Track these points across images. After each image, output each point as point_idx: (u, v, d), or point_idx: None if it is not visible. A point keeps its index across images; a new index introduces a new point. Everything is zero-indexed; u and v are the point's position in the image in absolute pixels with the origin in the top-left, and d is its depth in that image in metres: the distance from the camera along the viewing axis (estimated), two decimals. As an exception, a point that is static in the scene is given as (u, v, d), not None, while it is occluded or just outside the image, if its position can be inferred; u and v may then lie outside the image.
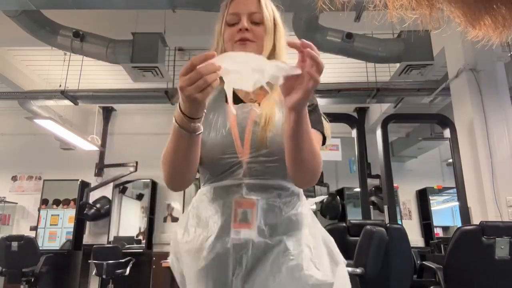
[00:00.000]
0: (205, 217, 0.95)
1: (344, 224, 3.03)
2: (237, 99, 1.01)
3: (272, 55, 1.03)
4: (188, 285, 0.95)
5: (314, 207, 6.18)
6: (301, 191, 1.01)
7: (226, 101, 0.90)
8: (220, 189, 0.95)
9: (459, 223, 4.33)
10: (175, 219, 6.45)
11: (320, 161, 0.90)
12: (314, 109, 0.98)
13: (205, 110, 0.82)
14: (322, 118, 1.01)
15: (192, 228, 0.96)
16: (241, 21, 1.01)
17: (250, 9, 1.02)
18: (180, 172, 0.93)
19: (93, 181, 6.50)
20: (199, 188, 1.04)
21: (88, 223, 6.32)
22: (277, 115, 0.96)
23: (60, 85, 4.93)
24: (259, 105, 0.99)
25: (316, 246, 0.96)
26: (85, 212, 6.03)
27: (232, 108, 0.78)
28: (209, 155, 0.95)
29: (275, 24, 1.05)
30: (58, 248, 5.92)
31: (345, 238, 2.95)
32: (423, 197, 6.37)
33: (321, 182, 6.27)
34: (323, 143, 1.00)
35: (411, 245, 2.78)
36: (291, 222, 0.94)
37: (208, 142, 0.95)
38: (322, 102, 5.03)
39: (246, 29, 1.00)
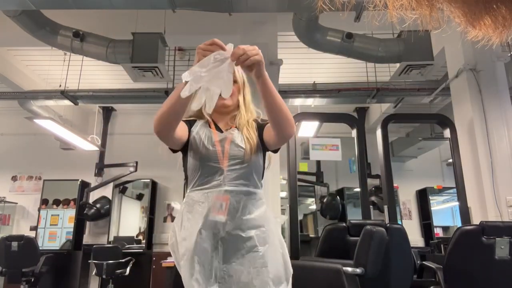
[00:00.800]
0: (195, 215, 1.32)
1: (344, 224, 3.03)
2: (217, 127, 1.44)
3: (243, 103, 1.47)
4: (183, 267, 1.28)
5: (314, 207, 6.19)
6: (257, 192, 1.38)
7: (210, 127, 1.43)
8: (207, 193, 1.32)
9: (459, 223, 4.32)
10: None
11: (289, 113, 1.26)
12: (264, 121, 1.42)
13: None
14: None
15: (187, 223, 1.33)
16: None
17: None
18: (172, 113, 1.26)
19: (93, 181, 6.50)
20: (185, 192, 1.44)
21: (88, 223, 6.32)
22: (245, 137, 1.37)
23: (60, 85, 4.93)
24: (236, 130, 1.41)
25: (274, 247, 1.33)
26: (85, 212, 6.04)
27: (215, 131, 1.40)
28: (199, 162, 1.35)
29: (244, 83, 1.48)
30: (58, 248, 5.92)
31: (345, 238, 2.94)
32: (423, 197, 6.37)
33: (321, 182, 6.28)
34: None
35: (411, 245, 2.78)
36: (257, 219, 1.32)
37: (199, 152, 1.35)
38: (322, 102, 5.04)
39: None
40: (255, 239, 1.28)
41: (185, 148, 1.40)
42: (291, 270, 1.35)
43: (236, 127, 1.43)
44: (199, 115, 1.46)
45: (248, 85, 1.49)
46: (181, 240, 1.32)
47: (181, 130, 1.35)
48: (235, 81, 1.41)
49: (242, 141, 1.36)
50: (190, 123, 1.42)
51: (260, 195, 1.37)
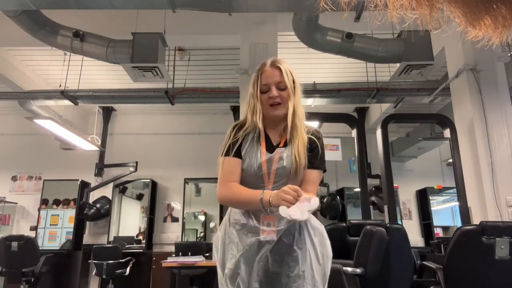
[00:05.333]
0: (244, 221, 1.39)
1: (344, 224, 3.02)
2: (268, 141, 1.46)
3: (292, 111, 1.45)
4: (231, 259, 1.35)
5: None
6: None
7: (259, 142, 1.45)
8: (252, 214, 1.39)
9: (459, 223, 4.32)
10: (175, 219, 6.45)
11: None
12: (317, 148, 1.44)
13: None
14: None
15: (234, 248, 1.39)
16: (271, 90, 1.41)
17: (276, 79, 1.42)
18: (235, 205, 1.42)
19: (93, 181, 6.50)
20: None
21: (88, 223, 6.33)
22: (294, 154, 1.39)
23: (60, 85, 4.93)
24: (284, 145, 1.43)
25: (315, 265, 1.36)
26: (85, 212, 6.04)
27: (263, 150, 1.42)
28: (246, 184, 1.39)
29: (294, 87, 1.45)
30: (58, 248, 5.92)
31: (345, 238, 2.94)
32: (423, 197, 6.37)
33: (321, 182, 6.27)
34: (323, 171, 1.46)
35: (411, 245, 2.78)
36: (302, 235, 1.37)
37: (246, 174, 1.40)
38: (322, 102, 5.04)
39: (276, 96, 1.41)
40: (295, 244, 1.34)
41: None
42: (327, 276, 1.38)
43: (287, 140, 1.43)
44: (252, 123, 1.46)
45: (300, 91, 1.47)
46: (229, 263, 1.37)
47: (239, 171, 1.42)
48: (285, 88, 1.42)
49: (289, 159, 1.37)
50: (238, 139, 1.44)
51: None
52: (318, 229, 1.41)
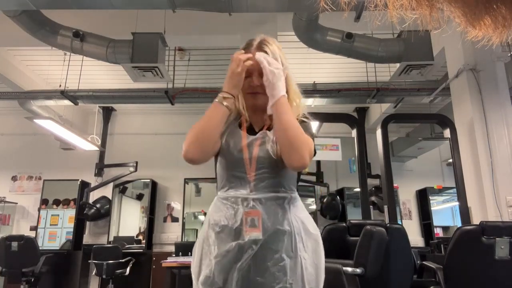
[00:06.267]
0: (224, 222, 1.18)
1: (344, 224, 3.02)
2: (250, 129, 1.29)
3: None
4: (207, 267, 1.16)
5: (314, 207, 6.19)
6: (296, 195, 1.26)
7: (240, 126, 1.28)
8: (233, 198, 1.19)
9: (459, 223, 4.32)
10: (175, 219, 6.45)
11: (308, 145, 1.13)
12: (304, 122, 1.27)
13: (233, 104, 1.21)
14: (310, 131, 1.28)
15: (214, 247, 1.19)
16: (252, 77, 1.24)
17: (259, 66, 1.22)
18: (206, 136, 1.17)
19: (93, 181, 6.50)
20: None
21: (88, 223, 6.33)
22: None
23: (60, 85, 4.93)
24: (267, 130, 1.25)
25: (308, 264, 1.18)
26: (85, 212, 6.04)
27: (244, 133, 1.25)
28: (226, 170, 1.22)
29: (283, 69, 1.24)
30: (58, 248, 5.92)
31: (345, 238, 2.94)
32: (423, 197, 6.37)
33: (321, 182, 6.28)
34: (314, 154, 1.22)
35: (411, 245, 2.78)
36: (288, 229, 1.17)
37: (225, 160, 1.22)
38: (322, 102, 5.04)
39: (256, 85, 1.24)
40: (283, 252, 1.14)
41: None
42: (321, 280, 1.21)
43: (271, 126, 1.25)
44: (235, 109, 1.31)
45: (290, 74, 1.27)
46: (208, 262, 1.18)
47: (217, 145, 1.22)
48: None
49: (274, 145, 1.19)
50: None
51: (292, 199, 1.22)
52: (313, 234, 1.23)
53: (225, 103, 1.18)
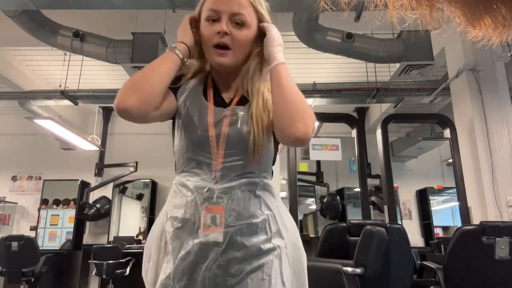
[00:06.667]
0: (186, 214, 0.95)
1: (344, 224, 3.03)
2: (218, 97, 1.01)
3: (257, 65, 1.02)
4: (164, 271, 0.95)
5: (314, 207, 6.19)
6: (270, 181, 1.01)
7: (206, 96, 1.00)
8: (193, 186, 0.95)
9: (459, 223, 4.32)
10: (175, 219, 6.45)
11: (312, 115, 0.92)
12: None
13: (187, 50, 0.97)
14: None
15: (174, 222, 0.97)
16: (221, 21, 0.94)
17: (232, 8, 0.94)
18: (147, 82, 0.90)
19: (93, 181, 6.50)
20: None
21: (88, 223, 6.32)
22: (254, 114, 0.97)
23: (60, 85, 4.93)
24: (241, 104, 1.00)
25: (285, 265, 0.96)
26: (85, 212, 6.04)
27: (211, 106, 0.98)
28: (185, 150, 0.97)
29: (262, 31, 0.99)
30: (58, 248, 5.92)
31: (345, 238, 2.94)
32: (423, 197, 6.37)
33: (321, 182, 6.28)
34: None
35: (411, 245, 2.78)
36: (257, 226, 0.94)
37: (185, 136, 0.97)
38: (322, 102, 5.05)
39: (226, 33, 0.94)
40: (263, 266, 0.92)
41: (173, 116, 1.01)
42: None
43: (244, 95, 1.01)
44: (198, 66, 1.04)
45: (273, 33, 0.98)
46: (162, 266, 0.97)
47: (166, 101, 0.95)
48: (243, 24, 0.96)
49: (248, 122, 0.95)
50: (174, 82, 0.99)
51: (266, 186, 0.98)
52: (291, 227, 1.01)
53: (176, 52, 0.93)
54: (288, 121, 0.89)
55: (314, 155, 4.21)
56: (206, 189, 0.93)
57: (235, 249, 0.91)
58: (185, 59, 0.96)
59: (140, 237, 6.20)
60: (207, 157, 0.94)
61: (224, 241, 0.90)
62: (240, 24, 0.95)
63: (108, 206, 6.26)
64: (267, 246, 0.93)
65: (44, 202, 6.19)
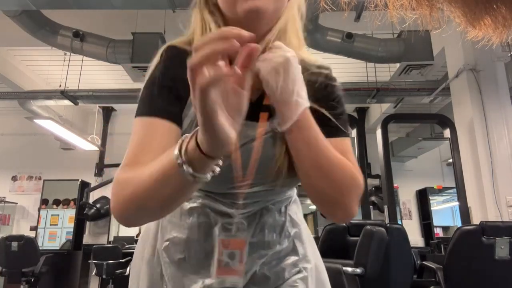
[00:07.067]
0: (192, 245, 0.71)
1: (344, 224, 3.03)
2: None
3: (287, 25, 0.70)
4: None
5: (314, 207, 6.19)
6: (295, 195, 0.79)
7: None
8: (203, 204, 0.70)
9: (459, 223, 4.32)
10: (175, 219, 6.45)
11: (356, 184, 0.64)
12: (335, 100, 0.73)
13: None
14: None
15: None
16: None
17: None
18: (154, 215, 0.64)
19: (93, 181, 6.50)
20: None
21: (88, 223, 6.32)
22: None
23: (60, 85, 4.93)
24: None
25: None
26: (85, 212, 6.03)
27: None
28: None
29: None
30: (58, 248, 5.92)
31: (345, 238, 2.94)
32: (423, 197, 6.37)
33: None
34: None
35: (411, 245, 2.78)
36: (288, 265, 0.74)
37: None
38: (322, 102, 5.04)
39: None
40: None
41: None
42: None
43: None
44: None
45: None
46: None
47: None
48: None
49: (277, 144, 0.65)
50: (176, 82, 0.67)
51: (290, 198, 0.76)
52: (311, 240, 0.81)
53: (198, 175, 0.51)
54: (326, 205, 0.66)
55: (314, 155, 4.21)
56: (222, 213, 0.68)
57: (255, 284, 0.71)
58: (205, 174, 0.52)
59: (140, 237, 6.21)
60: (228, 184, 0.67)
61: (244, 281, 0.69)
62: None
63: (108, 206, 6.26)
64: (293, 271, 0.74)
65: (44, 202, 6.19)
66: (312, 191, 0.64)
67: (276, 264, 0.72)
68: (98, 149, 6.22)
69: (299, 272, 0.74)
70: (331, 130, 0.67)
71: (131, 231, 6.31)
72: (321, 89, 0.71)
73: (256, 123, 0.65)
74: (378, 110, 6.24)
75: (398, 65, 3.83)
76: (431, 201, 6.26)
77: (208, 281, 0.67)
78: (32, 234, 5.70)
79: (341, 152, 0.65)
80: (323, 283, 0.81)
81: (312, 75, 0.70)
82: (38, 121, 4.92)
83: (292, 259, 0.74)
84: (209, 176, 0.52)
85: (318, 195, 0.64)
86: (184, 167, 0.50)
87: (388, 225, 2.65)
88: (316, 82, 0.70)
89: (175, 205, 0.60)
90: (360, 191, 0.64)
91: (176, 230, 0.72)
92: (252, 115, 0.62)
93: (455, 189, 4.01)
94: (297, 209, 0.79)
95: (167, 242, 0.72)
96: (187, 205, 0.71)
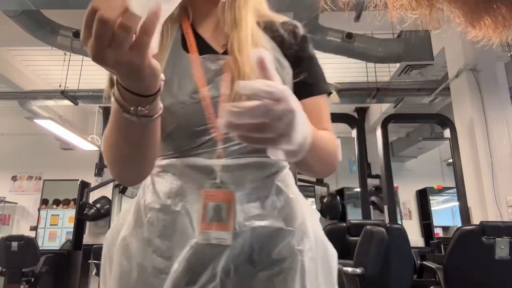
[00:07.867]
0: (172, 203, 0.66)
1: (344, 224, 3.03)
2: (204, 45, 0.70)
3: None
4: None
5: (314, 207, 6.19)
6: (288, 169, 0.73)
7: (186, 49, 0.68)
8: (182, 165, 0.66)
9: (459, 223, 4.33)
10: (175, 219, 6.45)
11: (335, 152, 0.68)
12: (304, 54, 0.76)
13: (161, 76, 0.51)
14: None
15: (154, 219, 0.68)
16: None
17: None
18: (133, 164, 0.63)
19: (93, 181, 6.50)
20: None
21: (88, 223, 6.32)
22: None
23: (60, 85, 4.93)
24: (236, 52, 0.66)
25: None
26: (85, 212, 6.03)
27: (196, 63, 0.65)
28: (168, 128, 0.65)
29: None
30: (58, 248, 5.93)
31: (345, 238, 2.95)
32: (423, 197, 6.38)
33: (321, 182, 6.28)
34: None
35: (411, 245, 2.78)
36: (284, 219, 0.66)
37: (167, 111, 0.61)
38: (322, 102, 5.04)
39: None
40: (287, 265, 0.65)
41: None
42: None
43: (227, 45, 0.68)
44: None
45: None
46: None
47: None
48: None
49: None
50: None
51: (284, 175, 0.71)
52: (314, 216, 0.74)
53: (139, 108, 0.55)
54: (316, 171, 0.71)
55: (314, 155, 4.21)
56: (203, 167, 0.64)
57: (244, 264, 0.64)
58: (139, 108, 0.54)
59: (140, 237, 6.21)
60: (201, 124, 0.64)
61: (236, 246, 0.62)
62: None
63: (108, 206, 6.26)
64: (285, 252, 0.65)
65: (44, 202, 6.19)
66: (304, 170, 0.70)
67: (267, 243, 0.64)
68: (98, 149, 6.22)
69: (294, 255, 0.65)
70: (305, 88, 0.72)
71: (131, 231, 6.31)
72: (290, 39, 0.76)
73: (220, 55, 0.67)
74: (378, 110, 6.24)
75: (398, 65, 3.83)
76: (431, 201, 6.27)
77: (193, 240, 0.62)
78: (32, 234, 5.70)
79: (318, 117, 0.70)
80: (328, 264, 0.71)
81: (280, 26, 0.77)
82: (38, 121, 4.93)
83: (283, 240, 0.65)
84: (150, 111, 0.54)
85: (309, 173, 0.72)
86: (117, 106, 0.55)
87: (388, 225, 2.65)
88: (283, 35, 0.75)
89: (138, 154, 0.60)
90: (337, 152, 0.69)
91: (158, 191, 0.68)
92: (212, 51, 0.69)
93: (455, 189, 4.02)
94: (290, 179, 0.72)
95: (151, 206, 0.68)
96: (163, 162, 0.68)
